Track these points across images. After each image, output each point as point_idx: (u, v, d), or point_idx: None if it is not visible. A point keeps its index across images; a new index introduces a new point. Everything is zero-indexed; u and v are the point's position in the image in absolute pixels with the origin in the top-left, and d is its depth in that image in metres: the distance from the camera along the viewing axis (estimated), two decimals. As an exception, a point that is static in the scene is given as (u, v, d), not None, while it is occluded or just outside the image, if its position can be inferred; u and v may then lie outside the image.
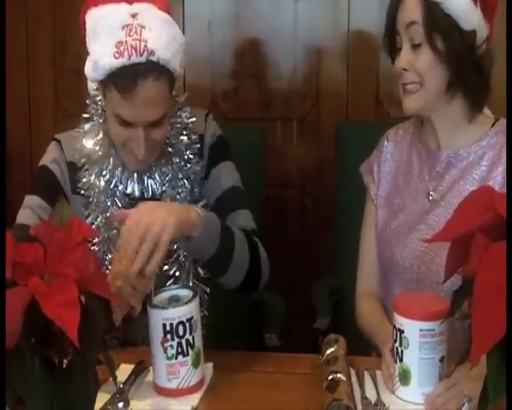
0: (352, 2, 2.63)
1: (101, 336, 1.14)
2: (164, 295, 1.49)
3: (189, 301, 1.45)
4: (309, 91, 2.71)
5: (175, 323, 1.42)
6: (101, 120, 1.67)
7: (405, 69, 1.65)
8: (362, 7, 2.63)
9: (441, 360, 1.39)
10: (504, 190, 1.58)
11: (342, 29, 2.65)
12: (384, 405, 1.38)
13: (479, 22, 1.62)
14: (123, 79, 1.50)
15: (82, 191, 1.69)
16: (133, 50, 1.48)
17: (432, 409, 1.36)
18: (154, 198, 1.67)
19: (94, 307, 1.06)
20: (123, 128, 1.56)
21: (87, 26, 1.57)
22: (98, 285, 1.07)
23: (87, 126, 1.70)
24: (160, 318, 1.43)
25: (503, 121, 1.71)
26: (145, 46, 1.49)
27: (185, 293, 1.49)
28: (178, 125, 1.70)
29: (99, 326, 1.08)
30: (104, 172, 1.67)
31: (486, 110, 1.73)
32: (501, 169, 1.66)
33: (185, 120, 1.71)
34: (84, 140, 1.69)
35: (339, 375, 1.39)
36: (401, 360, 1.41)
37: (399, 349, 1.41)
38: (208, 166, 1.74)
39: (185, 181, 1.68)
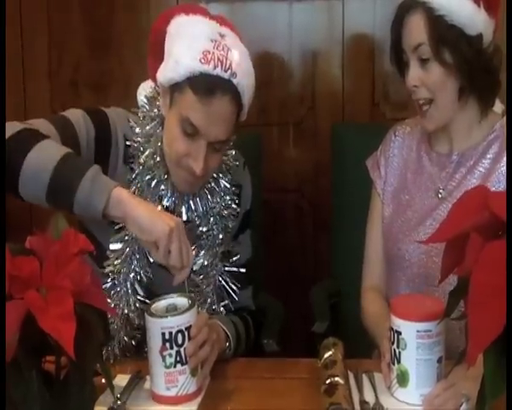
0: (347, 5, 2.63)
1: (98, 347, 1.14)
2: (161, 304, 1.48)
3: (188, 309, 1.44)
4: (305, 95, 2.71)
5: (174, 331, 1.41)
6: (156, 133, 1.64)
7: (416, 86, 1.65)
8: (356, 9, 2.64)
9: (439, 360, 1.39)
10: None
11: (337, 32, 2.65)
12: (382, 407, 1.38)
13: (484, 23, 1.61)
14: (203, 84, 1.51)
15: (130, 170, 1.64)
16: (219, 63, 1.51)
17: (430, 410, 1.36)
18: (188, 222, 1.66)
19: (90, 319, 1.06)
20: (185, 140, 1.55)
21: (171, 27, 1.58)
22: (94, 297, 1.08)
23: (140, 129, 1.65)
24: (159, 326, 1.42)
25: None
26: (230, 65, 1.52)
27: (182, 301, 1.48)
28: (223, 165, 1.71)
29: (96, 338, 1.08)
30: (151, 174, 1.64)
31: (497, 102, 1.73)
32: (505, 161, 1.66)
33: (230, 162, 1.73)
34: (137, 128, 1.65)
35: (337, 378, 1.39)
36: (399, 362, 1.40)
37: (397, 351, 1.40)
38: (239, 228, 1.78)
39: (219, 219, 1.70)
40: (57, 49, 2.76)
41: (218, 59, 1.51)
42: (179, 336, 1.41)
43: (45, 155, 1.44)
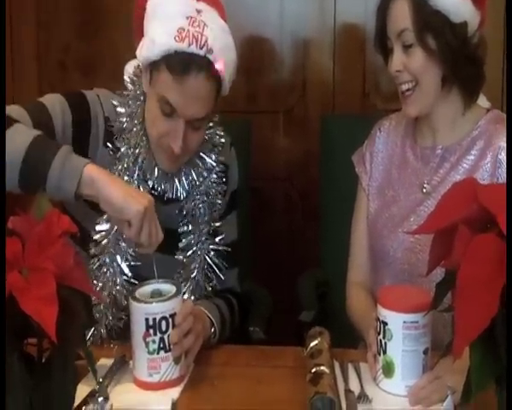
0: (338, -5, 2.62)
1: (81, 330, 1.13)
2: (146, 289, 1.48)
3: (173, 296, 1.44)
4: (295, 84, 2.70)
5: (158, 318, 1.41)
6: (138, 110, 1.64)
7: (399, 71, 1.65)
8: (347, -1, 2.63)
9: (425, 352, 1.39)
10: (493, 179, 1.61)
11: (328, 21, 2.64)
12: (367, 397, 1.38)
13: (470, 13, 1.61)
14: (178, 62, 1.51)
15: (111, 152, 1.64)
16: (194, 40, 1.50)
17: (415, 401, 1.36)
18: (173, 201, 1.68)
19: (73, 302, 1.05)
20: (164, 119, 1.55)
21: (149, 5, 1.57)
22: (77, 279, 1.06)
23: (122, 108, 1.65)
24: (143, 312, 1.41)
25: (494, 112, 1.72)
26: (206, 41, 1.51)
27: (167, 288, 1.47)
28: (209, 143, 1.71)
29: (78, 321, 1.07)
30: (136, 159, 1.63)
31: (482, 97, 1.73)
32: (490, 157, 1.65)
33: (216, 139, 1.72)
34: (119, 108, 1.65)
35: (322, 368, 1.38)
36: (385, 353, 1.40)
37: (383, 341, 1.40)
38: (226, 209, 1.78)
39: (205, 197, 1.70)
40: (45, 31, 2.73)
41: (193, 36, 1.50)
42: (163, 322, 1.41)
43: (15, 141, 1.41)
